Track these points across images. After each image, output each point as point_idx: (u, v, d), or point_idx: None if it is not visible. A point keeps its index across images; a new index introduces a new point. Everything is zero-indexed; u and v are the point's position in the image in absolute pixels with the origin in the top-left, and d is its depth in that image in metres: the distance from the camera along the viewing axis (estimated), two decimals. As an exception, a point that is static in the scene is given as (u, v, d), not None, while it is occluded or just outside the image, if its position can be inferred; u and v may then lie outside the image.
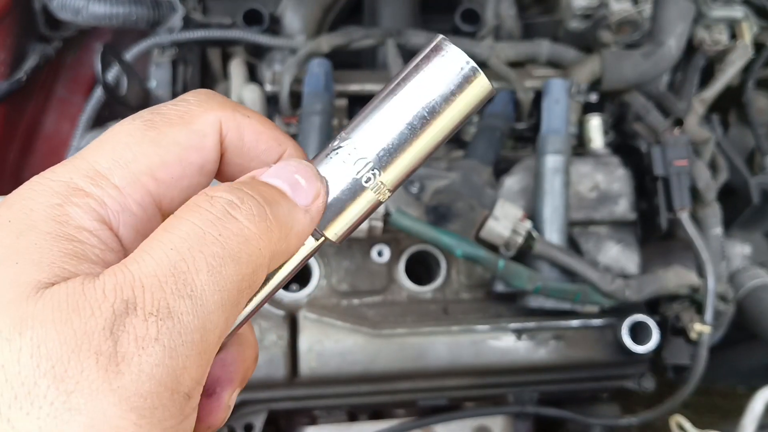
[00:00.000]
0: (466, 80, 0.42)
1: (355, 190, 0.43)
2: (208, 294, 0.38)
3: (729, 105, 2.07)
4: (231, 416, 1.36)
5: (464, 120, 0.44)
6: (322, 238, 0.45)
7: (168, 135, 0.43)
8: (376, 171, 0.43)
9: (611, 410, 1.56)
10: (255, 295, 0.43)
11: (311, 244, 0.45)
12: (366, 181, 0.43)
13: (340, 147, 0.43)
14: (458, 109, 0.42)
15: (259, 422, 1.36)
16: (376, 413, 1.55)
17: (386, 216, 1.25)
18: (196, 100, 0.45)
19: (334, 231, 0.44)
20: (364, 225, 1.23)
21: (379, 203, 0.45)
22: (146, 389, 0.35)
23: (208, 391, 0.44)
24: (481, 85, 0.42)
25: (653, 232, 1.38)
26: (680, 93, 1.74)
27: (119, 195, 0.41)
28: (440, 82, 0.42)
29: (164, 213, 0.43)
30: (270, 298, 0.44)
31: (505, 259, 1.24)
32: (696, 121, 1.53)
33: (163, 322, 0.36)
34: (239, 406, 1.33)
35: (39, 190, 0.39)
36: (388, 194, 0.45)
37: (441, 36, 0.42)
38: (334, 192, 0.44)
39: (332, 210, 0.44)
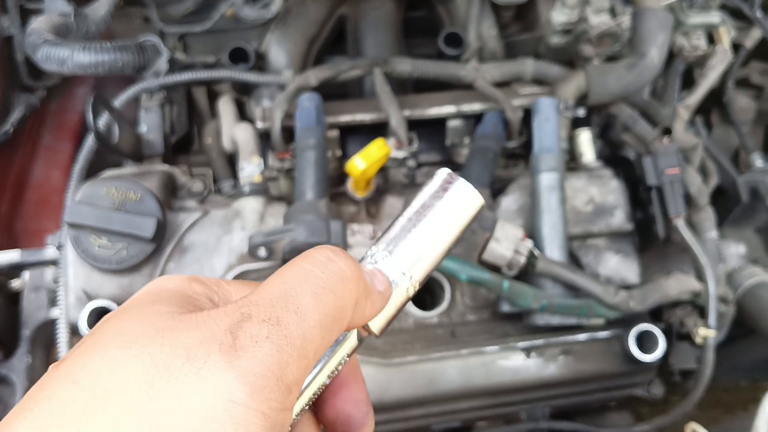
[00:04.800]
0: (470, 201, 0.57)
1: (394, 293, 0.56)
2: (310, 313, 0.48)
3: (711, 106, 2.10)
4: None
5: (469, 228, 0.59)
6: (367, 334, 0.56)
7: None
8: (410, 276, 0.56)
9: (622, 418, 1.57)
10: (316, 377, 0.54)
11: (358, 338, 0.56)
12: (403, 284, 0.55)
13: (384, 260, 0.56)
14: (465, 222, 0.57)
15: (275, 460, 1.35)
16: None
17: (389, 246, 1.26)
18: None
19: (379, 326, 0.55)
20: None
21: (410, 299, 0.57)
22: (258, 371, 0.44)
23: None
24: (479, 202, 0.57)
25: (650, 240, 1.40)
26: (663, 99, 1.77)
27: (230, 294, 0.54)
28: (453, 207, 0.57)
29: None
30: (325, 383, 0.55)
31: (509, 279, 1.25)
32: (682, 127, 1.55)
33: (273, 327, 0.46)
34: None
35: (171, 276, 0.54)
36: (414, 292, 0.57)
37: (448, 171, 0.57)
38: None
39: None
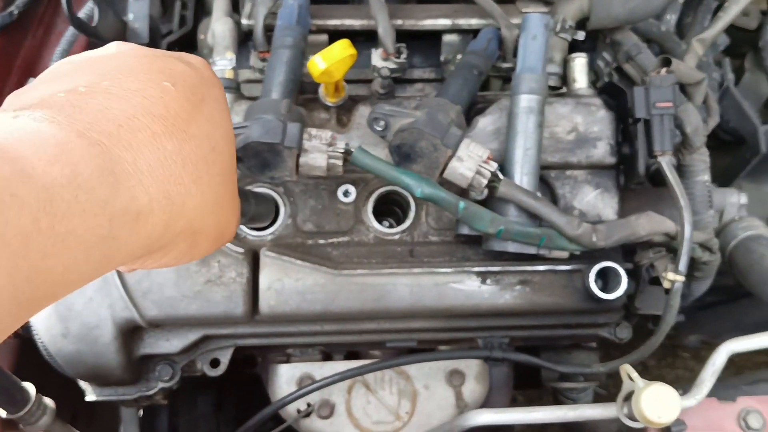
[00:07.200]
0: None
1: None
2: None
3: (746, 50, 1.96)
4: (196, 352, 1.36)
5: None
6: None
7: None
8: None
9: (588, 358, 1.53)
10: None
11: None
12: None
13: None
14: None
15: (225, 358, 1.37)
16: (352, 354, 1.55)
17: (346, 154, 1.22)
18: None
19: None
20: (323, 162, 1.20)
21: None
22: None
23: None
24: None
25: (634, 178, 1.32)
26: (687, 35, 1.65)
27: None
28: None
29: None
30: None
31: (466, 201, 1.20)
32: (694, 62, 1.44)
33: None
34: (204, 341, 1.34)
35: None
36: None
37: None
38: None
39: None
